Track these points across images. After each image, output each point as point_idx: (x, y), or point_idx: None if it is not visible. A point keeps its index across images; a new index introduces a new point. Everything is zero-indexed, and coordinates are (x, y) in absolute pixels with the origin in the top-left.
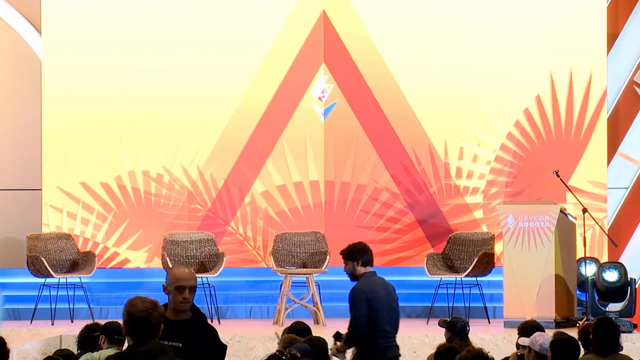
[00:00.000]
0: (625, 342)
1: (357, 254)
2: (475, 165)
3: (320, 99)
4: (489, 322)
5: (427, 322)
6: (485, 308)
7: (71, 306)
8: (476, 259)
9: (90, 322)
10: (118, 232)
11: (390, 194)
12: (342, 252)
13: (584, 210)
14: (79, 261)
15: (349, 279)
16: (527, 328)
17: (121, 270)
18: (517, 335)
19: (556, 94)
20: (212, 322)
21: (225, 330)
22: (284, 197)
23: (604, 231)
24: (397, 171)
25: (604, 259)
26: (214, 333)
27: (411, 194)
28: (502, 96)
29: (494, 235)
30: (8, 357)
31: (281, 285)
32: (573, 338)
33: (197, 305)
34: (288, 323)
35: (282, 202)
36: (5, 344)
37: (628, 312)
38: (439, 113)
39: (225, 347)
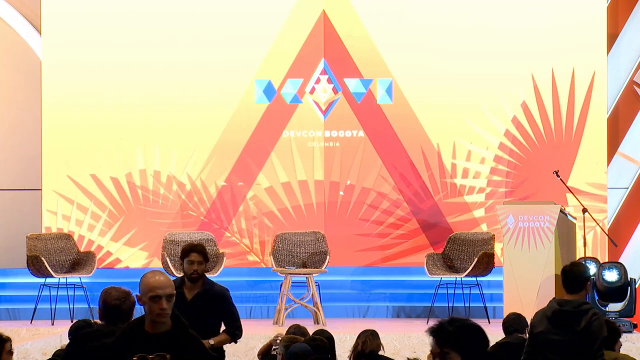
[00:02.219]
0: (625, 342)
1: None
2: (475, 165)
3: (320, 98)
4: (489, 322)
5: (427, 322)
6: (485, 308)
7: (71, 306)
8: (476, 259)
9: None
10: (116, 231)
11: (389, 194)
12: (203, 250)
13: (584, 210)
14: (79, 261)
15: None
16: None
17: (121, 270)
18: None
19: (556, 94)
20: None
21: None
22: (282, 197)
23: (604, 231)
24: (396, 171)
25: (604, 259)
26: (198, 344)
27: (411, 194)
28: (502, 95)
29: (494, 235)
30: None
31: (281, 285)
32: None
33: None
34: (288, 323)
35: (281, 202)
36: (9, 344)
37: (628, 312)
38: (440, 113)
39: (214, 357)
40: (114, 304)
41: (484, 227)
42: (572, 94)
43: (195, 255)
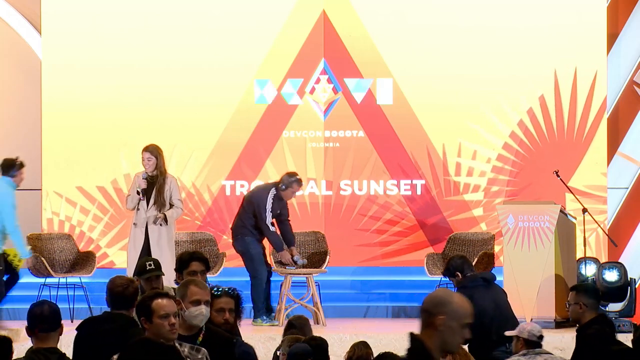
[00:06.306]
0: (625, 342)
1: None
2: (476, 165)
3: (320, 98)
4: None
5: None
6: None
7: (71, 306)
8: (476, 259)
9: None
10: (117, 232)
11: (389, 195)
12: (204, 257)
13: (584, 210)
14: (79, 261)
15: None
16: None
17: (121, 271)
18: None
19: (556, 94)
20: None
21: None
22: None
23: (604, 231)
24: (396, 171)
25: (604, 259)
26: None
27: (410, 193)
28: (503, 96)
29: (494, 235)
30: (12, 357)
31: (281, 285)
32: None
33: None
34: None
35: None
36: (10, 344)
37: (628, 312)
38: (440, 113)
39: None
40: (119, 290)
41: (483, 227)
42: (572, 94)
43: (197, 265)
